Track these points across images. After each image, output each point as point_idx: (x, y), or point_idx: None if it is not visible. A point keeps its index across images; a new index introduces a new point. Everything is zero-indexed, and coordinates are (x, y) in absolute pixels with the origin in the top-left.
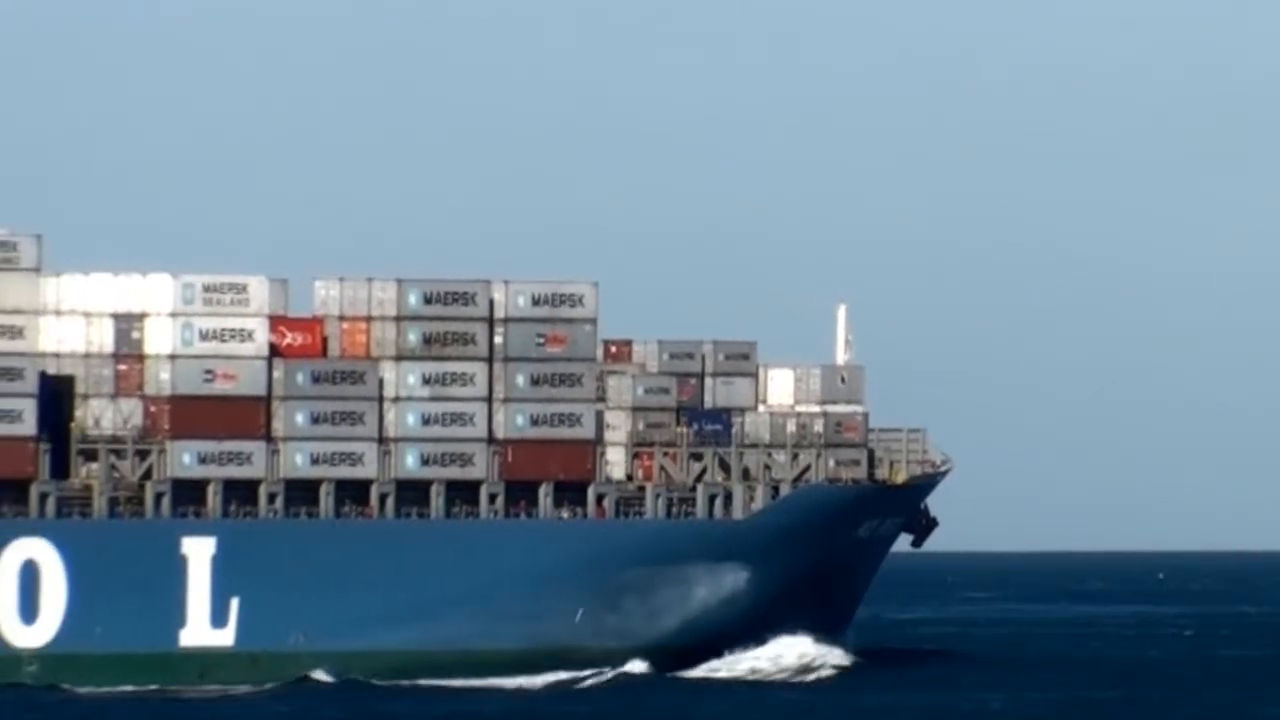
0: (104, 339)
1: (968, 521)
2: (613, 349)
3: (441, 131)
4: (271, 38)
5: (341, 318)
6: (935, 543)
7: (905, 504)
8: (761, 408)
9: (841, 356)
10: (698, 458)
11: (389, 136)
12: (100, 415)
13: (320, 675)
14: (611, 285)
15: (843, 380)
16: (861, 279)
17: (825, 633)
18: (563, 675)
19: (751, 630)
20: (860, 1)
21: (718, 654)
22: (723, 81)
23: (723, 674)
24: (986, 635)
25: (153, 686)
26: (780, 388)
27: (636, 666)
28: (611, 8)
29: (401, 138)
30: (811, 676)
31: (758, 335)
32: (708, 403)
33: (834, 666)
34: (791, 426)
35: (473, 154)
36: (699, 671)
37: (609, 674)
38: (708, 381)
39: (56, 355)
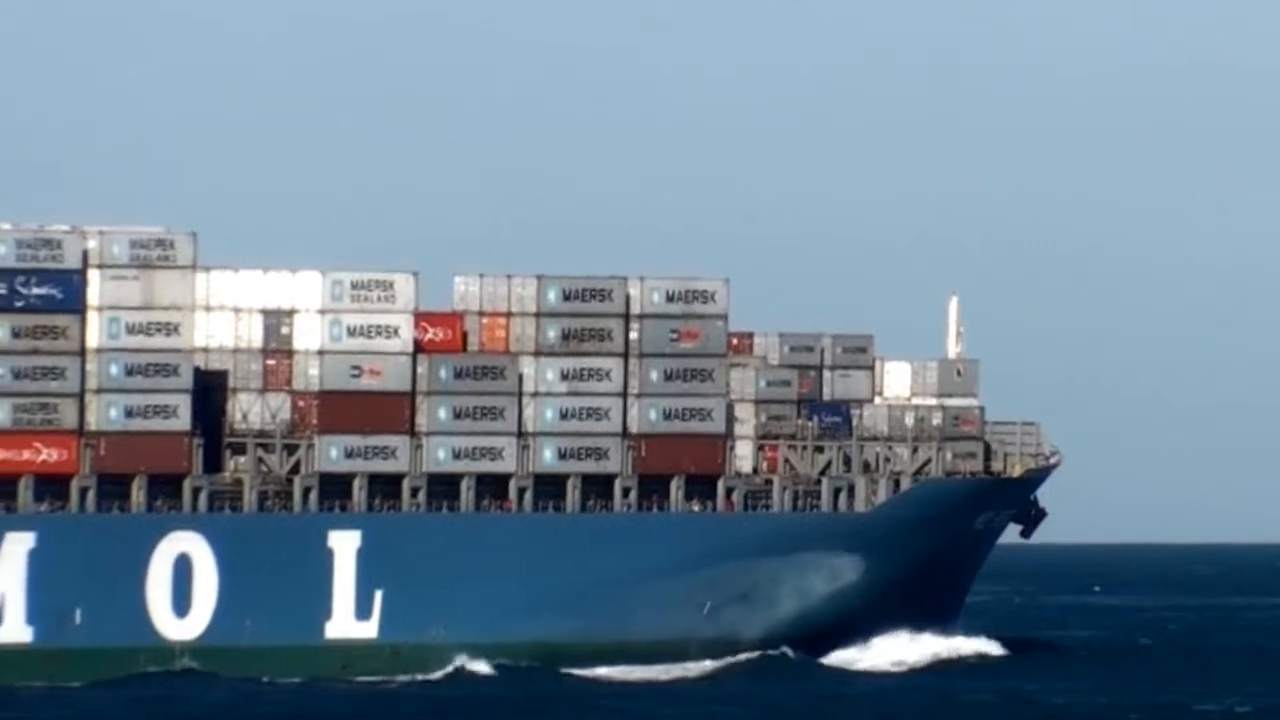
0: (253, 335)
1: (1075, 513)
2: (734, 341)
3: (575, 131)
4: (407, 39)
5: (481, 313)
6: (1041, 534)
7: (1018, 496)
8: (878, 400)
9: (953, 349)
10: (820, 450)
11: (529, 137)
12: (248, 410)
13: (480, 666)
14: (731, 277)
15: (958, 373)
16: (972, 272)
17: (940, 622)
18: (702, 665)
19: (872, 621)
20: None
21: (839, 644)
22: (838, 81)
23: (866, 664)
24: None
25: (297, 679)
26: (897, 380)
27: (755, 654)
28: (728, 11)
29: (541, 138)
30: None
31: (872, 328)
32: (825, 395)
33: (982, 656)
34: (910, 420)
35: (599, 151)
36: (838, 660)
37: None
38: (826, 374)
39: (206, 350)
